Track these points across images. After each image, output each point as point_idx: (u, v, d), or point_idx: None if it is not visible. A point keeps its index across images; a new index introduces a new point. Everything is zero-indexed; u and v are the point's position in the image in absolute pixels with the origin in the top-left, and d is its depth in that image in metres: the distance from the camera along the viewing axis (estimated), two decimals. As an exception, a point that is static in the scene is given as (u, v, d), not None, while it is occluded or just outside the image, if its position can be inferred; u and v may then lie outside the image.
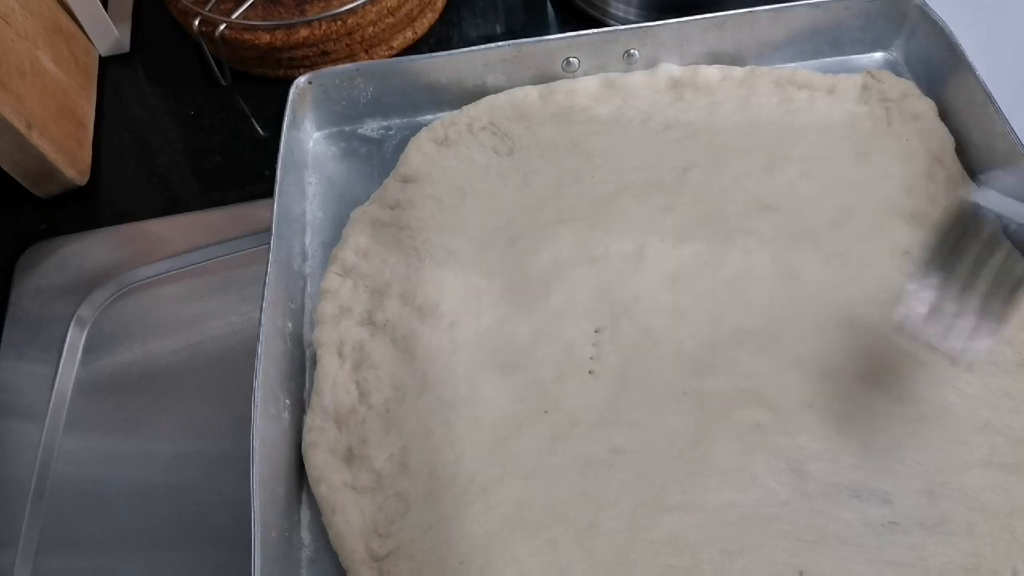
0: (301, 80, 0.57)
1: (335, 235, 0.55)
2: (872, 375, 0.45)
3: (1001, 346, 0.45)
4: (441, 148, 0.57)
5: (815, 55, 0.61)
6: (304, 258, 0.55)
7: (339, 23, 0.67)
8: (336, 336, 0.49)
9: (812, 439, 0.42)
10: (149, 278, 0.62)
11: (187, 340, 0.59)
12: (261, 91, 0.71)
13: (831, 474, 0.41)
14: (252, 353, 0.44)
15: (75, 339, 0.59)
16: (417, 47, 0.72)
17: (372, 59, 0.71)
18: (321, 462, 0.44)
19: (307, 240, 0.56)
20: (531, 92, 0.58)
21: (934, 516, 0.40)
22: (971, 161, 0.53)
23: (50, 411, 0.56)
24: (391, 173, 0.57)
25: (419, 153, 0.56)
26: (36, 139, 0.61)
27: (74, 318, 0.60)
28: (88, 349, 0.59)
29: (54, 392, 0.57)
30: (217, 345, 0.59)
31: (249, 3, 0.67)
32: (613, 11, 0.69)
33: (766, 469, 0.42)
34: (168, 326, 0.60)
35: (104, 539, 0.52)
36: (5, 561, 0.50)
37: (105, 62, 0.74)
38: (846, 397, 0.44)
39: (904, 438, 0.42)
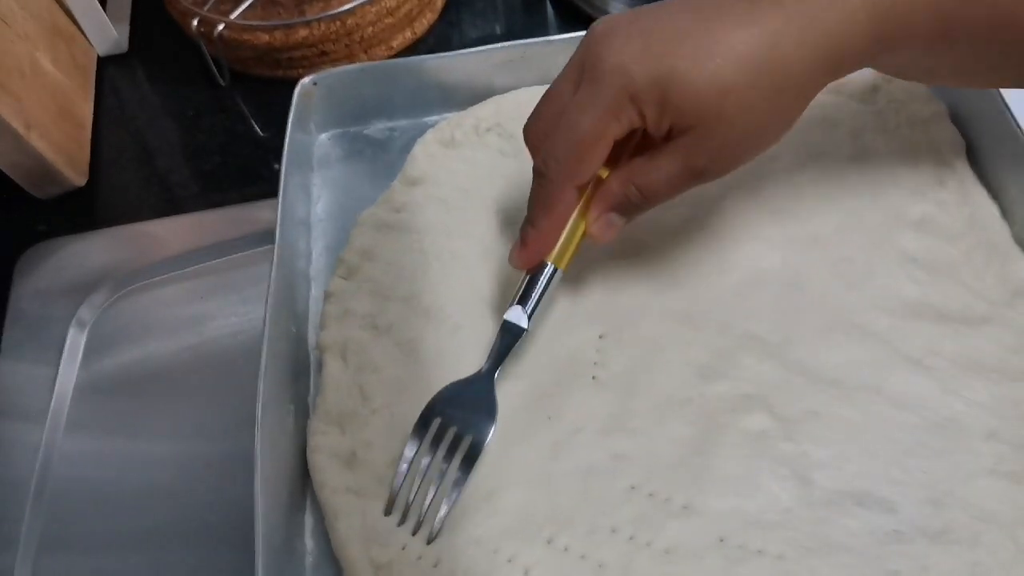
0: (306, 81, 0.56)
1: (340, 237, 0.54)
2: (878, 382, 0.43)
3: (1009, 354, 0.44)
4: (447, 150, 0.55)
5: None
6: (308, 261, 0.53)
7: (338, 23, 0.66)
8: (340, 339, 0.48)
9: (817, 446, 0.41)
10: (149, 279, 0.61)
11: (187, 341, 0.58)
12: (260, 91, 0.70)
13: (835, 482, 0.40)
14: (253, 354, 0.43)
15: (75, 340, 0.58)
16: (416, 47, 0.71)
17: (371, 59, 0.70)
18: (324, 466, 0.43)
19: (311, 242, 0.54)
20: (538, 93, 0.56)
21: (938, 525, 0.39)
22: (982, 166, 0.51)
23: (50, 412, 0.55)
24: (398, 175, 0.55)
25: (425, 155, 0.55)
26: (35, 140, 0.60)
27: (74, 319, 0.58)
28: (88, 350, 0.58)
29: (54, 393, 0.56)
30: (218, 346, 0.58)
31: (248, 3, 0.66)
32: (612, 12, 0.68)
33: (770, 476, 0.40)
34: (168, 327, 0.59)
35: (104, 540, 0.51)
36: (5, 562, 0.49)
37: (103, 63, 0.73)
38: (852, 404, 0.43)
39: (909, 446, 0.41)
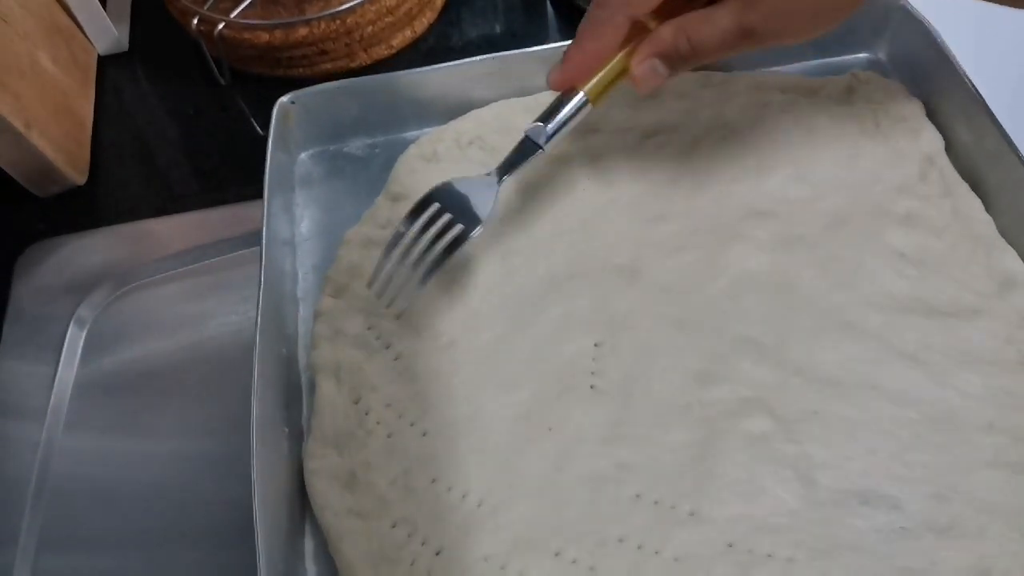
0: (284, 99, 0.54)
1: (325, 256, 0.52)
2: (874, 379, 0.43)
3: (1002, 345, 0.43)
4: (429, 164, 0.54)
5: (798, 58, 0.58)
6: (295, 281, 0.52)
7: (338, 22, 0.65)
8: (333, 359, 0.46)
9: (818, 447, 0.41)
10: (149, 277, 0.59)
11: (187, 339, 0.57)
12: (260, 90, 0.69)
13: (839, 481, 0.39)
14: (252, 352, 0.42)
15: (74, 339, 0.57)
16: (416, 46, 0.70)
17: (371, 58, 0.69)
18: (324, 489, 0.42)
19: (297, 263, 0.53)
20: (517, 104, 0.55)
21: (944, 520, 0.38)
22: (961, 160, 0.51)
23: (49, 410, 0.54)
24: (382, 191, 0.54)
25: (408, 171, 0.54)
26: (35, 139, 0.59)
27: (73, 318, 0.57)
28: (88, 348, 0.57)
29: (53, 391, 0.55)
30: (217, 344, 0.57)
31: (248, 2, 0.65)
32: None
33: (774, 479, 0.40)
34: (168, 325, 0.58)
35: (104, 538, 0.50)
36: (5, 560, 0.48)
37: (104, 61, 0.72)
38: (850, 403, 0.42)
39: (910, 442, 0.41)
